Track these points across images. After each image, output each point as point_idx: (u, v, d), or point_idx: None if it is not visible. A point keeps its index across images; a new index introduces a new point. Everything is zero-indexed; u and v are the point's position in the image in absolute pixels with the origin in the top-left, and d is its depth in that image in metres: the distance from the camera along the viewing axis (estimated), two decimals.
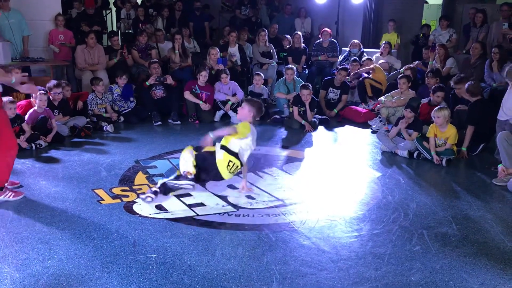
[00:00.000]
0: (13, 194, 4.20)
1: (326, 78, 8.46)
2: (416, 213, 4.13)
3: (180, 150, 5.63)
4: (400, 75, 7.63)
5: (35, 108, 5.99)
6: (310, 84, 7.49)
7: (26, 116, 5.91)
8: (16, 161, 5.20)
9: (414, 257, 3.34)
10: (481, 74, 7.45)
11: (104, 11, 11.17)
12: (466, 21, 9.54)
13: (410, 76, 7.62)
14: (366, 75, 8.53)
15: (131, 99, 7.61)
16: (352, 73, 8.69)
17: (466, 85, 6.02)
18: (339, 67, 8.45)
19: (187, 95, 7.57)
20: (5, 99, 5.59)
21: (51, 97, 6.37)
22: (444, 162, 5.52)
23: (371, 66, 8.53)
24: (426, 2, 11.57)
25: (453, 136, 5.61)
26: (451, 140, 5.62)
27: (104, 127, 6.75)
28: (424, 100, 6.91)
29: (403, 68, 8.36)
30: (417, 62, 8.81)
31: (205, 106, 7.53)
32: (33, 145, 5.72)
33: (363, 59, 8.96)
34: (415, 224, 3.90)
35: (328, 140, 6.80)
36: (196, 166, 4.14)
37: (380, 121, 7.32)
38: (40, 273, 3.03)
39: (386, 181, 4.97)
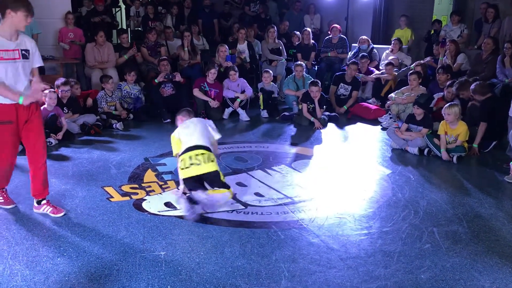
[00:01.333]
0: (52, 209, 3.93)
1: (337, 74, 8.41)
2: (426, 210, 4.09)
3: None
4: (410, 71, 7.56)
5: (45, 106, 6.03)
6: (319, 81, 7.46)
7: None
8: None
9: (424, 255, 3.32)
10: (493, 70, 7.36)
11: (113, 9, 11.21)
12: (478, 16, 9.41)
13: (421, 72, 7.55)
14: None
15: (142, 98, 7.66)
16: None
17: (473, 86, 5.95)
18: (349, 62, 8.38)
19: (196, 92, 7.57)
20: None
21: (59, 95, 6.41)
22: (455, 159, 5.47)
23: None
24: None
25: (463, 133, 5.55)
26: (462, 137, 5.55)
27: (114, 125, 6.78)
28: (439, 95, 6.86)
29: (414, 64, 8.28)
30: (428, 58, 8.72)
31: (214, 104, 7.53)
32: None
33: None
34: (425, 222, 3.87)
35: (338, 137, 6.76)
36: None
37: (390, 117, 7.27)
38: (50, 270, 3.05)
39: (396, 178, 4.94)
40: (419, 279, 3.02)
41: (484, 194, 4.53)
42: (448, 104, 5.68)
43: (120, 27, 10.66)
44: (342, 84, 8.19)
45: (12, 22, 3.51)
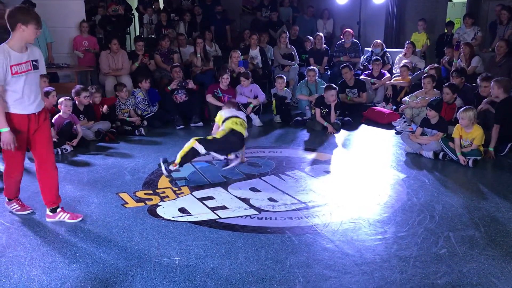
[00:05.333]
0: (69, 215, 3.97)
1: (339, 82, 8.41)
2: (442, 215, 4.05)
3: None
4: (424, 75, 7.51)
5: (60, 113, 6.11)
6: (335, 86, 7.42)
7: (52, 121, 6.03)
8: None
9: (440, 260, 3.28)
10: (507, 72, 7.28)
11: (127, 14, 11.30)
12: (492, 18, 9.32)
13: (435, 76, 7.50)
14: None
15: (155, 103, 7.72)
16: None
17: (500, 78, 5.92)
18: (342, 66, 8.32)
19: (210, 98, 7.61)
20: None
21: (81, 102, 6.51)
22: (470, 162, 5.40)
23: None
24: (450, 0, 11.35)
25: (479, 137, 5.48)
26: (477, 141, 5.49)
27: (136, 131, 6.86)
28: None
29: (428, 67, 8.22)
30: (445, 58, 8.62)
31: None
32: (58, 150, 5.82)
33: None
34: (441, 226, 3.82)
35: (351, 141, 6.73)
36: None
37: (404, 121, 7.22)
38: (66, 276, 3.07)
39: (411, 182, 4.89)
40: (436, 284, 2.98)
41: (501, 198, 4.46)
42: (463, 108, 5.61)
43: (133, 22, 10.72)
44: (347, 89, 8.19)
45: (22, 36, 3.56)
